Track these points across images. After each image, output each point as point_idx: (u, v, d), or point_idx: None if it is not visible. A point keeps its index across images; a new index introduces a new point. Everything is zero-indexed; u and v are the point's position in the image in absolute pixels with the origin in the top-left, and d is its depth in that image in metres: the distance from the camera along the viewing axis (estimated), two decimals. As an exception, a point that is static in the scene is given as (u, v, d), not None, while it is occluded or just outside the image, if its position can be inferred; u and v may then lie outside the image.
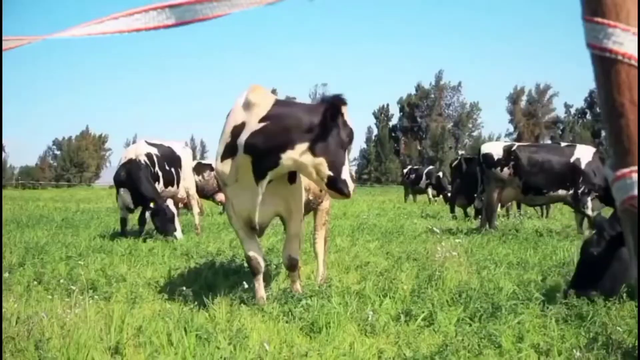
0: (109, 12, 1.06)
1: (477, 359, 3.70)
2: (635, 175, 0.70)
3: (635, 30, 0.72)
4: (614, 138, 0.74)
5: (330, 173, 4.53)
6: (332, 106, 4.52)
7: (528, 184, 11.01)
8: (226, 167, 4.87)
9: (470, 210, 15.79)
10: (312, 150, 4.50)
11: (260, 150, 4.58)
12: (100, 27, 0.94)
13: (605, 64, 0.74)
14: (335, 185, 4.59)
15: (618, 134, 0.73)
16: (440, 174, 25.34)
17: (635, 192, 0.70)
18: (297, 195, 5.17)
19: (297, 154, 4.51)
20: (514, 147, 11.30)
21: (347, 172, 4.62)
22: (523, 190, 11.12)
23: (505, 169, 11.13)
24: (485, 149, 11.74)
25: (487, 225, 11.31)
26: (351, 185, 4.65)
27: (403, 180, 30.51)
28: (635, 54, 0.72)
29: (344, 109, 4.59)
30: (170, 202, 10.55)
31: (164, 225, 10.29)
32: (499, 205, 11.96)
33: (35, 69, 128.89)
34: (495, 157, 11.24)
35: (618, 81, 0.72)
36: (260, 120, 4.59)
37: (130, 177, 10.58)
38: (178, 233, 10.31)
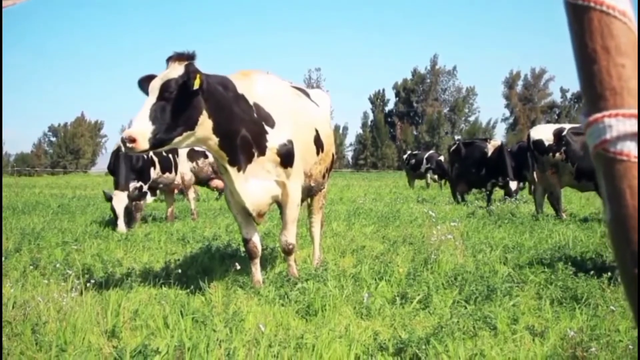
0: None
1: (472, 340, 3.72)
2: (607, 120, 0.72)
3: None
4: (587, 84, 0.76)
5: None
6: None
7: (581, 170, 10.45)
8: None
9: (470, 197, 15.70)
10: None
11: None
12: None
13: (578, 12, 0.76)
14: None
15: (591, 80, 0.75)
16: (442, 158, 25.16)
17: (607, 136, 0.72)
18: (294, 180, 5.09)
19: None
20: (564, 132, 10.81)
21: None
22: (576, 176, 10.63)
23: (557, 155, 10.73)
24: (535, 134, 11.22)
25: (556, 214, 11.02)
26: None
27: (404, 166, 30.31)
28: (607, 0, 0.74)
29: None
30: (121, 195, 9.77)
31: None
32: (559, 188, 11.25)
33: (29, 55, 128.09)
34: (546, 143, 10.85)
35: (590, 28, 0.75)
36: None
37: (117, 164, 10.06)
38: (120, 226, 9.47)
